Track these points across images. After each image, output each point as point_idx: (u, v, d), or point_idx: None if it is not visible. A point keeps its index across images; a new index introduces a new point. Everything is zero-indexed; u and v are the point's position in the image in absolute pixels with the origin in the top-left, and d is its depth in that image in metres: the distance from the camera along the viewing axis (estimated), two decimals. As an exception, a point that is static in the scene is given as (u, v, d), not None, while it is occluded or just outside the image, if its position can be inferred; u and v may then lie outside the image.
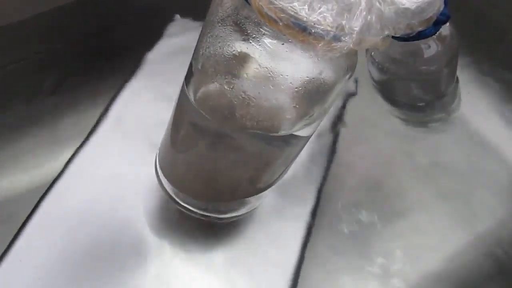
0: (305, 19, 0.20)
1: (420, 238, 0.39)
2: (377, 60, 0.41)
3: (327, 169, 0.40)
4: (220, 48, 0.24)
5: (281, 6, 0.20)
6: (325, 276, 0.36)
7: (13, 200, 0.37)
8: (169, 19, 0.46)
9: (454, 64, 0.41)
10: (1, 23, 0.43)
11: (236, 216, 0.36)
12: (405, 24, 0.34)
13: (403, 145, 0.43)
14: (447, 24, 0.37)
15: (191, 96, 0.27)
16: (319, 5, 0.20)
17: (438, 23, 0.35)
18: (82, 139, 0.39)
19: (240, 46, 0.23)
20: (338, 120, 0.42)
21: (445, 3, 0.34)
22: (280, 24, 0.20)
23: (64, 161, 0.38)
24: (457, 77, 0.44)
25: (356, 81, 0.44)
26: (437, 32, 0.37)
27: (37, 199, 0.36)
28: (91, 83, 0.43)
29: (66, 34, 0.45)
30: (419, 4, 0.33)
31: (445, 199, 0.41)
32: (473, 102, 0.46)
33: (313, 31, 0.20)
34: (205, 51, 0.25)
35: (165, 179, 0.35)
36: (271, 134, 0.27)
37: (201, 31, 0.26)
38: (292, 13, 0.20)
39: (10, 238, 0.34)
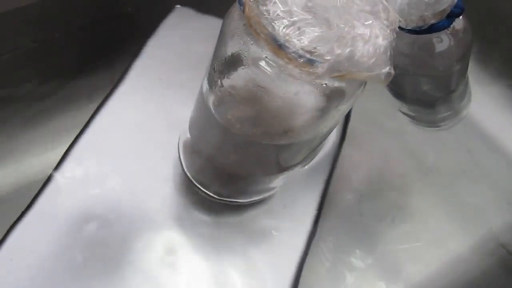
0: (281, 38, 0.21)
1: (424, 237, 0.39)
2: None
3: (333, 167, 0.39)
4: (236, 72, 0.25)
5: (265, 22, 0.21)
6: (327, 276, 0.36)
7: (7, 196, 0.37)
8: (170, 9, 0.45)
9: (467, 60, 0.40)
10: (-4, 11, 0.43)
11: (253, 201, 0.36)
12: (418, 16, 0.33)
13: (410, 143, 0.43)
14: (461, 17, 0.36)
15: (213, 110, 0.28)
16: (303, 28, 0.21)
17: (451, 15, 0.34)
18: (78, 132, 0.38)
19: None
20: (345, 117, 0.42)
21: (460, -5, 0.33)
22: (262, 38, 0.21)
23: (59, 154, 0.37)
24: (467, 74, 0.43)
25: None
26: (451, 26, 0.36)
27: (32, 194, 0.35)
28: (89, 73, 0.43)
29: (64, 23, 0.45)
30: (433, -5, 0.32)
31: (450, 198, 0.41)
32: (483, 101, 0.45)
33: (288, 50, 0.20)
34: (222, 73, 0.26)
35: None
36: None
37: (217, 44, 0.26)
38: (270, 30, 0.21)
39: (1, 235, 0.33)
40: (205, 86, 0.29)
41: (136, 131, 0.38)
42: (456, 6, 0.33)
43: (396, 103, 0.43)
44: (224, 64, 0.25)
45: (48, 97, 0.41)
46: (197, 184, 0.36)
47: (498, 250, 0.38)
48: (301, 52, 0.21)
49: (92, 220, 0.34)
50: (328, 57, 0.21)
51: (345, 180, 0.40)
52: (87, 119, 0.38)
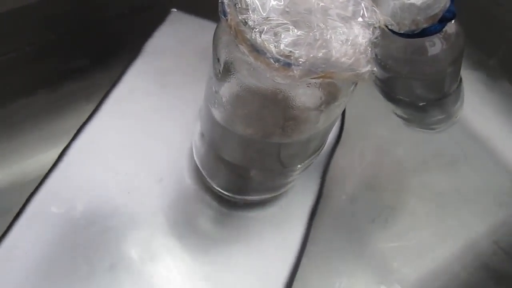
0: (259, 44, 0.21)
1: (418, 238, 0.39)
2: (379, 57, 0.40)
3: (327, 168, 0.40)
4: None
5: (245, 30, 0.22)
6: (322, 276, 0.36)
7: (4, 194, 0.37)
8: (166, 12, 0.45)
9: (459, 63, 0.41)
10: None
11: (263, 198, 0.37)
12: (410, 20, 0.34)
13: (403, 145, 0.43)
14: (453, 21, 0.37)
15: (213, 113, 0.29)
16: (281, 33, 0.21)
17: (444, 20, 0.34)
18: (75, 132, 0.38)
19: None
20: (339, 120, 0.42)
21: (452, 0, 0.34)
22: (243, 45, 0.22)
23: (56, 155, 0.37)
24: (460, 77, 0.44)
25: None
26: (443, 30, 0.36)
27: (29, 193, 0.35)
28: (86, 75, 0.43)
29: (61, 26, 0.45)
30: (425, 0, 0.33)
31: (442, 198, 0.41)
32: (476, 104, 0.46)
33: (266, 56, 0.21)
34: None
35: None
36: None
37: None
38: (249, 37, 0.22)
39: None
40: (206, 91, 0.29)
41: (133, 133, 0.39)
42: (448, 11, 0.34)
43: (390, 106, 0.43)
44: (219, 71, 0.26)
45: (46, 98, 0.41)
46: (207, 178, 0.36)
47: (491, 248, 0.39)
48: (277, 56, 0.21)
49: (89, 221, 0.34)
50: (303, 60, 0.21)
51: (339, 181, 0.40)
52: (84, 120, 0.39)
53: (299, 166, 0.33)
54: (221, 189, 0.36)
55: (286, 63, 0.21)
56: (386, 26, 0.36)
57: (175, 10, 0.45)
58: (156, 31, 0.44)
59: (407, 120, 0.44)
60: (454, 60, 0.39)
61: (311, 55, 0.21)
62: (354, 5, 0.23)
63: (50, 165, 0.36)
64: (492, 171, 0.42)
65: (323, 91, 0.25)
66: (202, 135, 0.33)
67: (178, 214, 0.36)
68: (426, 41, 0.37)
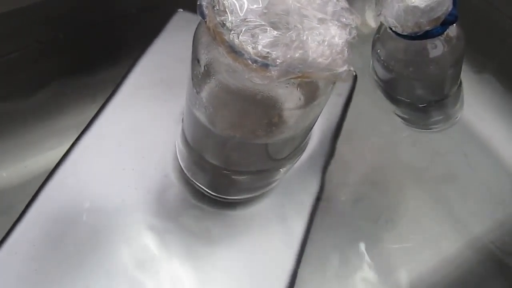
0: (237, 45, 0.22)
1: (418, 238, 0.39)
2: (382, 58, 0.41)
3: (326, 168, 0.40)
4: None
5: (224, 31, 0.22)
6: (320, 275, 0.36)
7: (10, 192, 0.37)
8: (172, 13, 0.45)
9: (459, 66, 0.41)
10: (1, 10, 0.43)
11: (246, 198, 0.36)
12: (414, 22, 0.35)
13: (404, 145, 0.43)
14: (455, 25, 0.37)
15: (196, 113, 0.29)
16: (259, 34, 0.22)
17: (446, 23, 0.35)
18: (80, 131, 0.38)
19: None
20: (339, 119, 0.42)
21: (454, 3, 0.35)
22: (222, 46, 0.22)
23: (62, 153, 0.37)
24: (460, 79, 0.44)
25: (355, 79, 0.44)
26: (445, 32, 0.37)
27: (35, 190, 0.35)
28: (92, 74, 0.43)
29: (68, 24, 0.45)
30: (428, 3, 0.34)
31: (442, 199, 0.41)
32: (475, 106, 0.46)
33: (244, 57, 0.22)
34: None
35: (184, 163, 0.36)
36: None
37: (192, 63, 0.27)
38: (228, 38, 0.22)
39: (6, 230, 0.33)
40: (188, 91, 0.29)
41: (138, 131, 0.39)
42: (450, 14, 0.34)
43: (391, 106, 0.44)
44: (199, 72, 0.26)
45: (52, 97, 0.42)
46: (194, 180, 0.36)
47: (490, 249, 0.39)
48: (255, 57, 0.22)
49: (94, 217, 0.34)
50: (280, 61, 0.21)
51: (340, 181, 0.40)
52: (89, 118, 0.39)
53: (282, 166, 0.33)
54: (205, 187, 0.36)
55: (263, 64, 0.22)
56: (390, 28, 0.37)
57: (181, 10, 0.45)
58: (163, 30, 0.44)
59: (407, 121, 0.44)
60: (455, 62, 0.40)
61: (288, 56, 0.22)
62: (331, 6, 0.24)
63: (55, 162, 0.36)
64: (491, 172, 0.43)
65: (302, 91, 0.25)
66: (185, 136, 0.33)
67: (183, 211, 0.36)
68: (428, 43, 0.38)
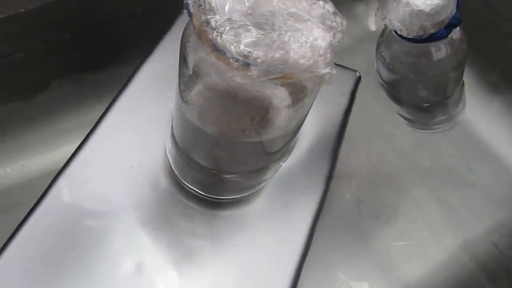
0: (221, 44, 0.22)
1: (419, 237, 0.39)
2: (387, 61, 0.41)
3: (331, 169, 0.39)
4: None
5: (208, 30, 0.22)
6: (326, 275, 0.37)
7: (19, 189, 0.37)
8: (178, 13, 0.45)
9: (462, 68, 0.42)
10: (8, 12, 0.43)
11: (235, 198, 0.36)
12: (419, 25, 0.35)
13: (406, 145, 0.44)
14: (458, 28, 0.38)
15: (186, 114, 0.29)
16: (242, 34, 0.22)
17: (449, 26, 0.36)
18: (87, 131, 0.38)
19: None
20: (342, 120, 0.42)
21: (457, 7, 0.35)
22: (206, 45, 0.22)
23: (70, 152, 0.37)
24: (463, 81, 0.45)
25: (359, 79, 0.44)
26: (448, 35, 0.37)
27: (43, 188, 0.35)
28: (97, 74, 0.43)
29: (74, 25, 0.45)
30: (433, 7, 0.34)
31: (443, 198, 0.41)
32: (477, 107, 0.46)
33: (227, 55, 0.22)
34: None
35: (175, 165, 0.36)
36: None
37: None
38: (211, 37, 0.22)
39: (15, 226, 0.34)
40: (176, 91, 0.30)
41: (144, 131, 0.39)
42: (454, 18, 0.35)
43: (394, 106, 0.44)
44: (186, 72, 0.26)
45: (58, 97, 0.42)
46: (184, 181, 0.36)
47: (490, 249, 0.39)
48: (237, 56, 0.22)
49: (100, 216, 0.35)
50: (261, 60, 0.22)
51: (344, 180, 0.40)
52: (95, 118, 0.39)
53: (271, 165, 0.33)
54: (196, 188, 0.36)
55: (244, 63, 0.22)
56: (395, 31, 0.37)
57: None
58: (168, 31, 0.44)
59: (410, 121, 0.44)
60: (458, 65, 0.40)
61: (269, 56, 0.22)
62: (317, 9, 0.24)
63: (62, 162, 0.36)
64: (492, 172, 0.43)
65: (287, 91, 0.25)
66: (173, 135, 0.33)
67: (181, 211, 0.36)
68: (432, 46, 0.38)
